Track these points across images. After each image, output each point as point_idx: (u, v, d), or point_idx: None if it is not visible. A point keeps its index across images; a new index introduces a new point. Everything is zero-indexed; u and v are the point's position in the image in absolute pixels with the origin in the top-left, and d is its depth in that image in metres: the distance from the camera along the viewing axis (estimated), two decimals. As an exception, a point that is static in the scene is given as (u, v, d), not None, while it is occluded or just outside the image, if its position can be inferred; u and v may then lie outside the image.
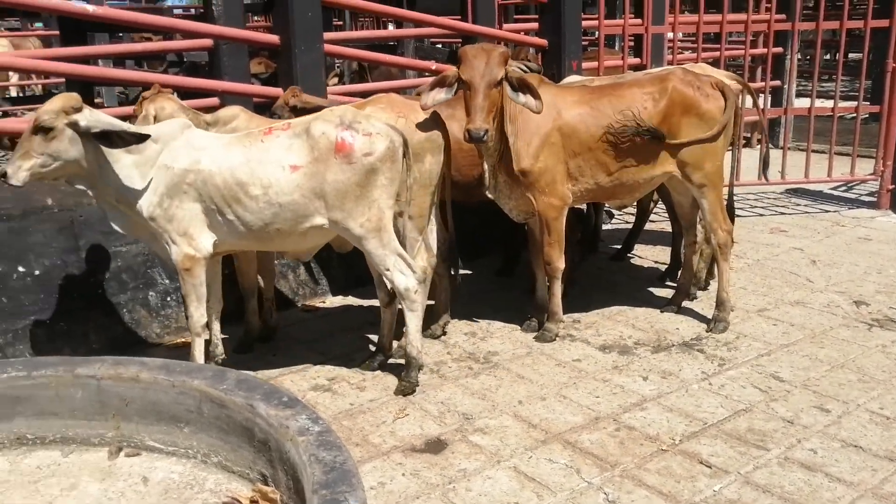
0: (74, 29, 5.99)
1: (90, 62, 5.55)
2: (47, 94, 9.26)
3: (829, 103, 6.15)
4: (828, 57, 13.10)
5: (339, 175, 2.87)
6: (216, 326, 3.23)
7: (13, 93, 9.81)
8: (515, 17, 8.62)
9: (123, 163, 2.77)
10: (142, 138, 2.71)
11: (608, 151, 3.41)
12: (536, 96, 3.16)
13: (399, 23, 7.92)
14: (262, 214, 2.88)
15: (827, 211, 5.76)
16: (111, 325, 3.58)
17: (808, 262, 4.62)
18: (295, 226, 2.93)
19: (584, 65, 5.40)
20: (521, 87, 3.17)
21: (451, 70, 3.23)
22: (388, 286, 3.12)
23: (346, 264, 4.22)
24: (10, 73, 9.37)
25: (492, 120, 3.14)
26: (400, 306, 3.14)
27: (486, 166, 3.39)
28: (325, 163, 2.86)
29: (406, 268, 3.03)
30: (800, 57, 9.57)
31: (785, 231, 5.26)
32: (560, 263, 3.49)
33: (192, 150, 2.86)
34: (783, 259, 4.70)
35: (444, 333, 3.70)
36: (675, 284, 4.07)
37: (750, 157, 6.52)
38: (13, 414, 1.98)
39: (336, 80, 7.35)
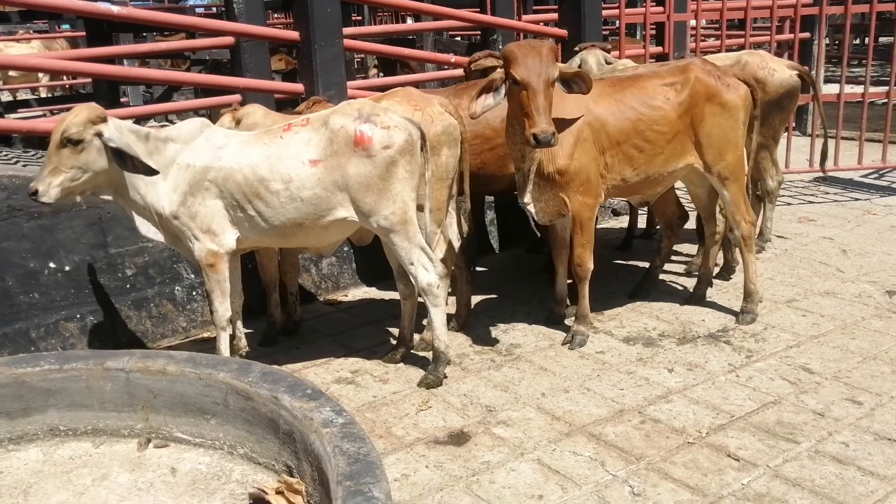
0: (100, 30, 6.09)
1: (115, 62, 5.64)
2: (74, 93, 9.43)
3: (859, 89, 6.01)
4: (857, 41, 12.78)
5: (360, 168, 2.87)
6: (238, 320, 3.27)
7: (43, 93, 10.01)
8: (535, 7, 8.54)
9: None
10: (150, 172, 2.69)
11: (635, 145, 3.36)
12: (589, 83, 3.11)
13: (418, 16, 7.90)
14: (284, 209, 2.90)
15: (857, 199, 5.63)
16: (139, 319, 3.64)
17: (838, 252, 4.53)
18: (317, 220, 2.95)
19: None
20: (576, 81, 3.10)
21: (496, 74, 3.09)
22: (410, 279, 3.13)
23: (366, 258, 4.24)
24: (40, 75, 9.57)
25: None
26: (421, 299, 3.15)
27: (526, 169, 3.24)
28: (344, 156, 2.87)
29: (428, 262, 3.03)
30: (828, 42, 9.35)
31: (814, 220, 5.15)
32: (590, 265, 3.41)
33: (213, 147, 2.88)
34: (812, 249, 4.61)
35: (466, 326, 3.70)
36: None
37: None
38: (46, 406, 2.03)
39: (375, 70, 7.39)
